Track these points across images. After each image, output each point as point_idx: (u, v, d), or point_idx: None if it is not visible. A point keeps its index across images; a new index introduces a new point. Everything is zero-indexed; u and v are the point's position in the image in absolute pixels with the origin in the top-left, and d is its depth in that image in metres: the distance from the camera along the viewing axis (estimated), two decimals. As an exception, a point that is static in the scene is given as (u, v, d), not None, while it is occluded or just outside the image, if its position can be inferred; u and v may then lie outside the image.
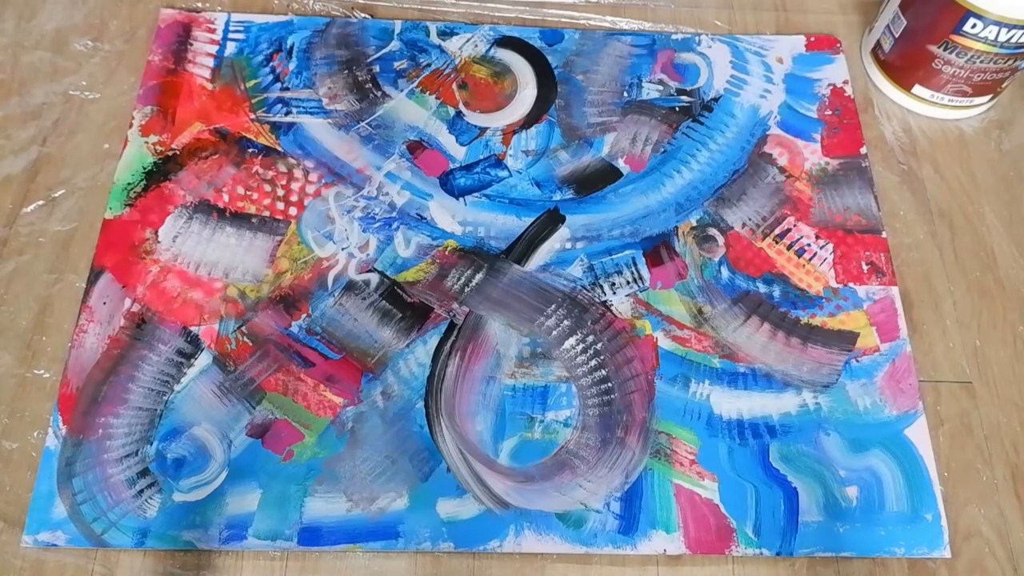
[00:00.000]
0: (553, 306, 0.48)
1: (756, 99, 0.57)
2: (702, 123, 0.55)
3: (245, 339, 0.47)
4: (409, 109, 0.55)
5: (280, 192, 0.51)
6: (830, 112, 0.56)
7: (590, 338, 0.47)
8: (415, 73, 0.56)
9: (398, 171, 0.52)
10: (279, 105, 0.54)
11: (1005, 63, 0.52)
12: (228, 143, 0.53)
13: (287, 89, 0.55)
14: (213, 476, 0.43)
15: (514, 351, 0.47)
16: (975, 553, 0.44)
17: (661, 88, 0.57)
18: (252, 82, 0.55)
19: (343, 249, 0.50)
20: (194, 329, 0.47)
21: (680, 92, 0.56)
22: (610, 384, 0.46)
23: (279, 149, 0.53)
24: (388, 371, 0.46)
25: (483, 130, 0.54)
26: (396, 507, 0.43)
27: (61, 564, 0.41)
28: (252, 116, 0.54)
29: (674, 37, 0.59)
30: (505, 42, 0.58)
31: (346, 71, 0.56)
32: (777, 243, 0.51)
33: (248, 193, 0.51)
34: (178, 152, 0.52)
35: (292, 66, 0.56)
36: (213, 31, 0.57)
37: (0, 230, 0.49)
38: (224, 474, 0.43)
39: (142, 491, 0.42)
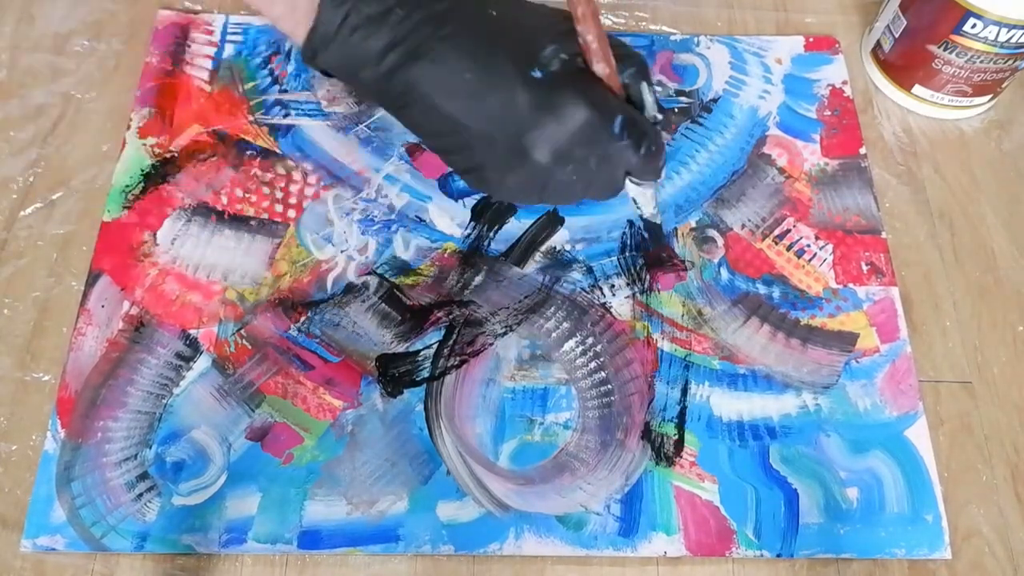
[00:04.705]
0: (552, 308, 0.48)
1: (755, 100, 0.56)
2: (701, 124, 0.55)
3: (244, 342, 0.46)
4: (408, 111, 0.54)
5: (279, 194, 0.51)
6: (829, 112, 0.56)
7: (589, 340, 0.47)
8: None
9: (397, 173, 0.52)
10: (277, 107, 0.54)
11: (1005, 63, 0.52)
12: (227, 145, 0.52)
13: (286, 91, 0.55)
14: (212, 479, 0.43)
15: (513, 353, 0.47)
16: (975, 553, 0.44)
17: (660, 89, 0.56)
18: (250, 84, 0.55)
19: (342, 251, 0.49)
20: (193, 332, 0.47)
21: (679, 93, 0.56)
22: (610, 386, 0.46)
23: (278, 151, 0.53)
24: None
25: (482, 131, 0.54)
26: (396, 510, 0.43)
27: (61, 564, 0.41)
28: (251, 118, 0.53)
29: (673, 38, 0.59)
30: (504, 43, 0.58)
31: (345, 73, 0.56)
32: (777, 244, 0.51)
33: (247, 195, 0.51)
34: (176, 154, 0.52)
35: (291, 68, 0.56)
36: (211, 32, 0.56)
37: (-2, 233, 0.49)
38: (223, 477, 0.43)
39: (141, 495, 0.42)
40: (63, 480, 0.42)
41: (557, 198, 0.35)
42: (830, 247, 0.51)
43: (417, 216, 0.51)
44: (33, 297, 0.48)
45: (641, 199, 0.44)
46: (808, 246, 0.51)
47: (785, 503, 0.44)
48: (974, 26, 0.50)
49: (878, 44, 0.57)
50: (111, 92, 0.54)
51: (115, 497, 0.42)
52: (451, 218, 0.51)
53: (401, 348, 0.47)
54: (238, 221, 0.50)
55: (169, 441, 0.44)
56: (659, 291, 0.49)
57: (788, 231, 0.52)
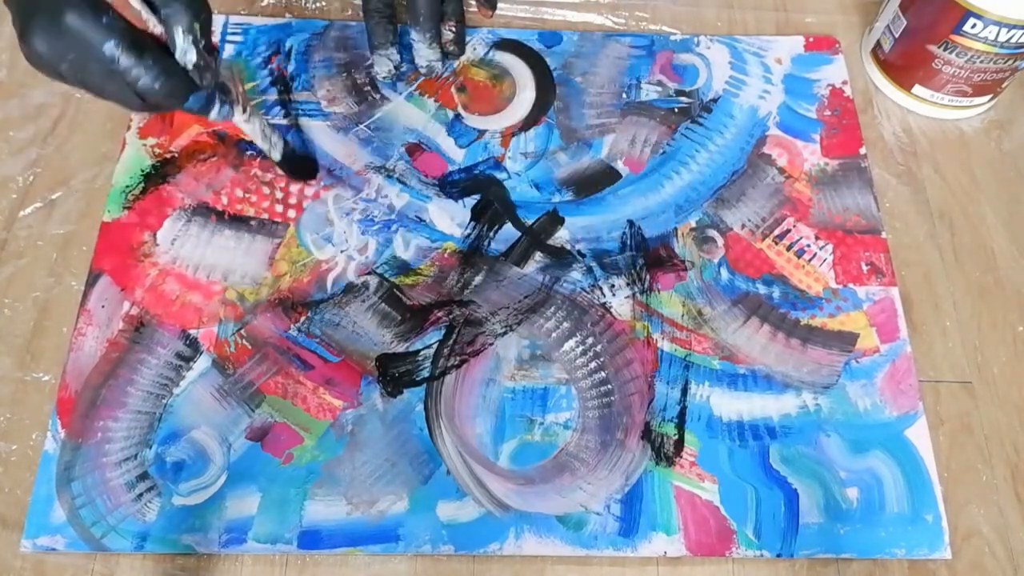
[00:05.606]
0: (552, 308, 0.48)
1: (755, 100, 0.56)
2: (701, 124, 0.55)
3: (244, 342, 0.46)
4: (408, 112, 0.55)
5: (279, 194, 0.51)
6: (829, 112, 0.56)
7: (589, 340, 0.47)
8: (414, 76, 0.56)
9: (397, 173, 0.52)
10: (277, 107, 0.54)
11: (1005, 63, 0.52)
12: (226, 145, 0.52)
13: (285, 91, 0.55)
14: (212, 479, 0.43)
15: (513, 353, 0.47)
16: (975, 553, 0.44)
17: (660, 89, 0.57)
18: (250, 84, 0.55)
19: (342, 251, 0.49)
20: (193, 332, 0.47)
21: (679, 93, 0.56)
22: (610, 386, 0.46)
23: (278, 151, 0.52)
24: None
25: (482, 132, 0.54)
26: (396, 510, 0.43)
27: (61, 564, 0.41)
28: (251, 118, 0.53)
29: (673, 38, 0.59)
30: (504, 45, 0.58)
31: (345, 74, 0.56)
32: (777, 244, 0.51)
33: (247, 196, 0.51)
34: (176, 154, 0.52)
35: (291, 68, 0.56)
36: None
37: (-2, 233, 0.49)
38: (223, 477, 0.43)
39: (141, 495, 0.42)
40: (63, 480, 0.42)
41: (87, 86, 0.38)
42: (830, 247, 0.51)
43: (417, 216, 0.51)
44: (33, 297, 0.48)
45: (250, 132, 0.45)
46: (808, 246, 0.51)
47: (785, 503, 0.44)
48: (974, 26, 0.50)
49: (878, 44, 0.57)
50: (111, 92, 0.54)
51: (115, 497, 0.42)
52: (451, 218, 0.51)
53: (401, 348, 0.47)
54: (238, 221, 0.50)
55: (169, 441, 0.44)
56: (659, 291, 0.49)
57: (788, 231, 0.52)
